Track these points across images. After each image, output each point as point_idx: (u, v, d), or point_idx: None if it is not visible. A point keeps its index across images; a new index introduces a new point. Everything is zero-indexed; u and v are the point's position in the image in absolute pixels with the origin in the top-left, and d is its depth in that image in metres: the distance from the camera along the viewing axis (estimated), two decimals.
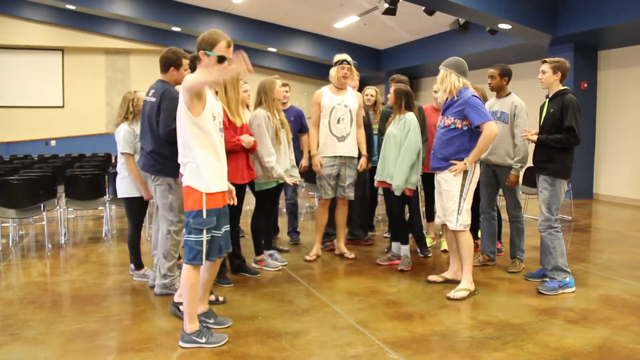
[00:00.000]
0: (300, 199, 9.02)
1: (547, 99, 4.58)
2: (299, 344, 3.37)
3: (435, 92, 5.78)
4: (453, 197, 4.39)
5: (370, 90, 6.33)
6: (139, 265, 4.83)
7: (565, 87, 4.51)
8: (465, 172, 4.36)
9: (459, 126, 4.38)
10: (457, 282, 4.52)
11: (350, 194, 5.46)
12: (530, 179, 7.44)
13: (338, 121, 5.34)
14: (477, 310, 4.04)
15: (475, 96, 4.38)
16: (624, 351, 3.29)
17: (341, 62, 5.34)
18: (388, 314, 3.94)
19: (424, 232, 6.10)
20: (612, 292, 4.49)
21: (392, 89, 5.11)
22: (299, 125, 5.77)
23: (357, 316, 3.87)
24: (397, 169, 4.90)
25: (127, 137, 4.67)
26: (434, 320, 3.82)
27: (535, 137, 4.51)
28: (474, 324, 3.75)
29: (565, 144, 4.38)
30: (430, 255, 5.68)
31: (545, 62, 4.51)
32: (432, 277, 4.77)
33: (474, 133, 4.36)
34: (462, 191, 4.37)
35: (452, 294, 4.32)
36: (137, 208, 4.73)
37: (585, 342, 3.42)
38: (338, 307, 4.08)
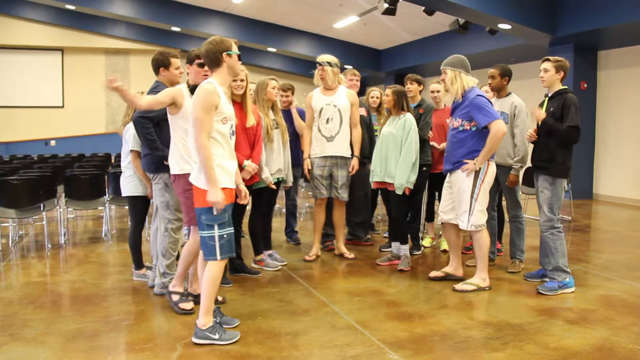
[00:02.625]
0: (300, 199, 9.03)
1: (547, 98, 4.58)
2: (298, 344, 3.37)
3: (438, 91, 5.78)
4: (465, 198, 4.42)
5: (375, 92, 6.31)
6: (139, 265, 4.83)
7: (565, 87, 4.51)
8: (477, 173, 4.38)
9: (467, 127, 4.42)
10: (457, 278, 4.63)
11: (344, 195, 5.45)
12: (529, 179, 7.43)
13: (327, 121, 5.35)
14: (476, 311, 4.04)
15: (481, 95, 4.39)
16: (624, 352, 3.29)
17: (317, 64, 5.40)
18: (387, 314, 3.94)
19: (424, 232, 6.13)
20: (612, 292, 4.49)
21: (389, 91, 5.10)
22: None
23: (357, 316, 3.87)
24: (399, 168, 4.91)
25: (137, 136, 4.68)
26: (433, 320, 3.82)
27: (535, 137, 4.50)
28: (474, 324, 3.75)
29: (565, 138, 4.36)
30: (418, 253, 5.67)
31: (547, 60, 4.48)
32: (433, 274, 4.84)
33: (483, 133, 4.38)
34: (473, 191, 4.39)
35: (460, 286, 4.44)
36: (140, 207, 4.76)
37: (584, 343, 3.42)
38: (337, 307, 4.08)
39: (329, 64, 5.34)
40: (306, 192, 8.42)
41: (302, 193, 8.94)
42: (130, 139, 4.70)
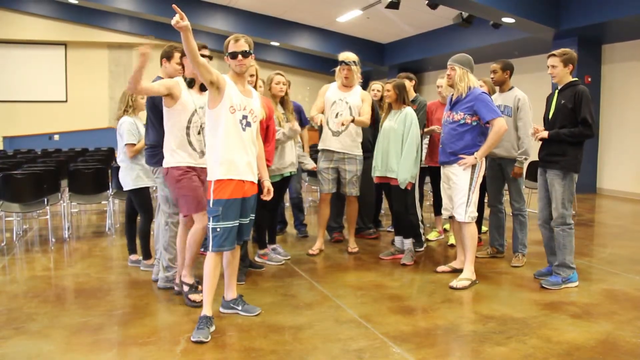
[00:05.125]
0: (304, 192, 9.03)
1: (557, 91, 4.47)
2: (302, 338, 3.38)
3: (441, 86, 5.79)
4: (462, 190, 4.49)
5: (376, 85, 6.28)
6: (147, 255, 4.90)
7: (576, 79, 4.40)
8: (474, 166, 4.46)
9: (469, 122, 4.47)
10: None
11: (352, 190, 5.45)
12: (533, 174, 7.41)
13: (336, 116, 5.34)
14: (480, 305, 4.04)
15: (485, 93, 4.49)
16: (627, 345, 3.29)
17: (340, 62, 5.35)
18: (391, 308, 3.95)
19: (426, 226, 6.12)
20: (615, 286, 4.49)
21: (390, 85, 5.08)
22: (297, 120, 5.76)
23: (360, 310, 3.88)
24: (402, 163, 4.92)
25: (131, 129, 4.84)
26: (436, 314, 3.82)
27: (546, 134, 4.39)
28: (477, 318, 3.75)
29: (578, 137, 4.29)
30: (421, 250, 5.65)
31: (553, 55, 4.36)
32: (440, 268, 4.86)
33: (483, 129, 4.49)
34: (470, 184, 4.48)
35: (455, 283, 4.41)
36: (145, 197, 4.81)
37: (588, 337, 3.42)
38: (341, 301, 4.09)
39: (355, 63, 5.33)
40: (309, 186, 8.43)
41: (306, 187, 8.94)
42: (124, 133, 4.77)
